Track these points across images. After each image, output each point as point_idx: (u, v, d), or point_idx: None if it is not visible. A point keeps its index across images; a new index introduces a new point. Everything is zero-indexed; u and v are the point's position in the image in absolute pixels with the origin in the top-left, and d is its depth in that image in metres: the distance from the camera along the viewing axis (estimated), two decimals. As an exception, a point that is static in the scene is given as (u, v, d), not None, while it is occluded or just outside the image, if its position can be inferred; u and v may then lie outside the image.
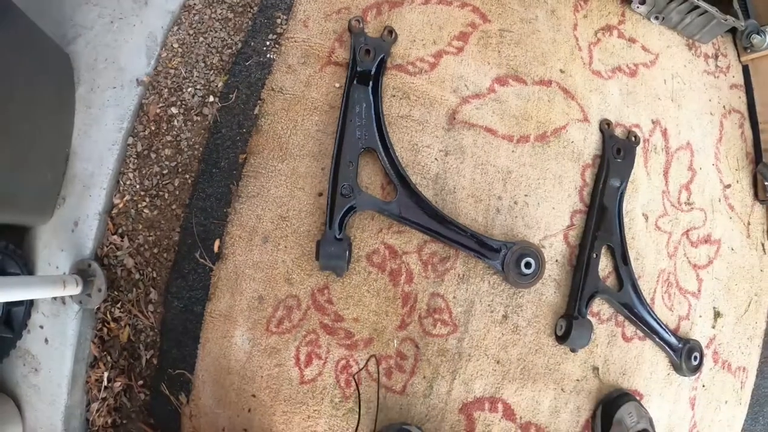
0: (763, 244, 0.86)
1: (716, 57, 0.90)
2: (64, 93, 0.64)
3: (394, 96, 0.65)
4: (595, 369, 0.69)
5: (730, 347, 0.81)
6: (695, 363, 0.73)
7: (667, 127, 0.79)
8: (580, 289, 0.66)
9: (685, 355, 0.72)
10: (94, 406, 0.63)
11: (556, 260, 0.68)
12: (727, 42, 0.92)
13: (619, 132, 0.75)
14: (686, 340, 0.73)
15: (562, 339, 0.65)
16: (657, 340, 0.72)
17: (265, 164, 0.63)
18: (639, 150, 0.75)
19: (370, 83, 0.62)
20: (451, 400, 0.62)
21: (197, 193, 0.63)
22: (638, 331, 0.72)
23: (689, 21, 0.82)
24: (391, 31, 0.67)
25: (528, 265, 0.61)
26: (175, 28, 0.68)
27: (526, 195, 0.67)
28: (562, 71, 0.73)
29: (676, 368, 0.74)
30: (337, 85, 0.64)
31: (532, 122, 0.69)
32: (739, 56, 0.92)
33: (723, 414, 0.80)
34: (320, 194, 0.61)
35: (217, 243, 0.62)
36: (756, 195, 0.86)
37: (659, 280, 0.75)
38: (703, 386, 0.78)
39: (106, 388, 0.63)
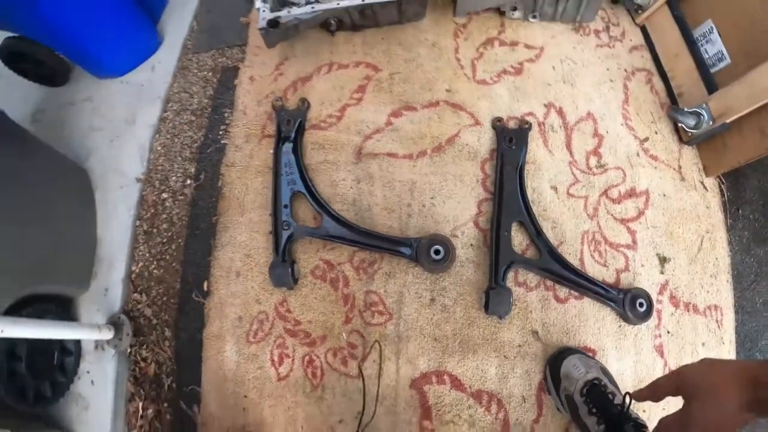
0: (702, 182, 0.99)
1: (608, 29, 1.12)
2: (87, 198, 1.05)
3: (313, 149, 0.98)
4: (535, 333, 0.88)
5: (691, 288, 0.93)
6: (642, 309, 0.87)
7: (562, 106, 1.02)
8: (494, 262, 0.87)
9: (629, 305, 0.87)
10: (134, 433, 0.96)
11: (471, 244, 0.91)
12: (618, 11, 1.14)
13: (512, 124, 0.99)
14: (627, 290, 0.89)
15: (486, 309, 0.86)
16: (593, 295, 0.88)
17: (231, 220, 0.97)
18: (535, 133, 0.99)
19: (292, 144, 0.96)
20: (400, 377, 0.86)
21: (188, 251, 0.99)
22: (572, 292, 0.89)
23: (563, 7, 1.07)
24: (304, 101, 1.02)
25: (437, 252, 0.86)
26: (157, 136, 1.10)
27: (431, 198, 0.93)
28: (448, 90, 1.01)
29: (625, 319, 0.89)
30: (271, 151, 0.99)
31: (427, 139, 0.97)
32: (634, 20, 1.13)
33: (704, 356, 0.89)
34: (270, 233, 0.94)
35: (205, 284, 0.96)
36: (681, 139, 1.01)
37: (584, 242, 0.93)
38: (668, 332, 0.90)
39: (141, 416, 0.96)
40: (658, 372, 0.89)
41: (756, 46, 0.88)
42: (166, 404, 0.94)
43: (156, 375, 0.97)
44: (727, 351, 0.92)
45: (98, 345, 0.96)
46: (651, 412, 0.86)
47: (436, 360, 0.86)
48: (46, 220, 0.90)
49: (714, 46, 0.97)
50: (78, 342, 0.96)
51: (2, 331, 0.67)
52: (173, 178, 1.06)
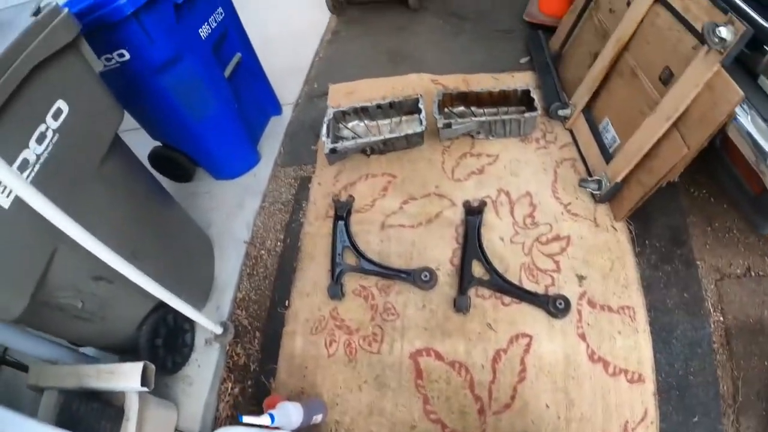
0: (613, 226, 1.95)
1: (545, 136, 2.29)
2: (208, 252, 2.29)
3: (356, 223, 2.20)
4: (489, 325, 1.81)
5: (606, 295, 1.83)
6: (561, 306, 1.78)
7: (509, 190, 2.12)
8: (460, 281, 1.89)
9: (552, 304, 1.80)
10: (221, 405, 1.95)
11: (448, 274, 1.95)
12: (554, 122, 2.30)
13: (475, 204, 2.09)
14: (549, 295, 1.80)
15: (454, 308, 1.83)
16: (527, 300, 1.82)
17: (305, 265, 2.16)
18: (490, 207, 2.08)
19: (343, 221, 2.16)
20: (403, 352, 1.83)
21: (276, 284, 2.16)
22: (513, 299, 1.83)
23: (509, 128, 2.25)
24: (351, 196, 2.26)
25: (426, 276, 1.91)
26: (258, 216, 2.39)
27: (424, 248, 2.05)
28: (436, 187, 2.21)
29: (551, 314, 1.79)
30: (330, 224, 2.19)
31: (423, 216, 2.14)
32: (564, 127, 2.26)
33: (621, 341, 1.73)
34: (329, 270, 2.06)
35: (287, 302, 2.07)
36: (595, 200, 2.01)
37: (522, 270, 1.91)
38: (588, 324, 1.77)
39: (229, 393, 1.97)
40: (582, 351, 1.72)
41: (629, 129, 1.91)
42: (249, 381, 1.97)
43: (245, 364, 2.02)
44: (644, 339, 1.72)
45: (207, 341, 2.07)
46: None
47: (426, 341, 1.83)
48: (184, 255, 2.13)
49: (609, 133, 2.04)
50: (193, 335, 2.04)
51: (168, 299, 1.80)
52: (268, 241, 2.29)
